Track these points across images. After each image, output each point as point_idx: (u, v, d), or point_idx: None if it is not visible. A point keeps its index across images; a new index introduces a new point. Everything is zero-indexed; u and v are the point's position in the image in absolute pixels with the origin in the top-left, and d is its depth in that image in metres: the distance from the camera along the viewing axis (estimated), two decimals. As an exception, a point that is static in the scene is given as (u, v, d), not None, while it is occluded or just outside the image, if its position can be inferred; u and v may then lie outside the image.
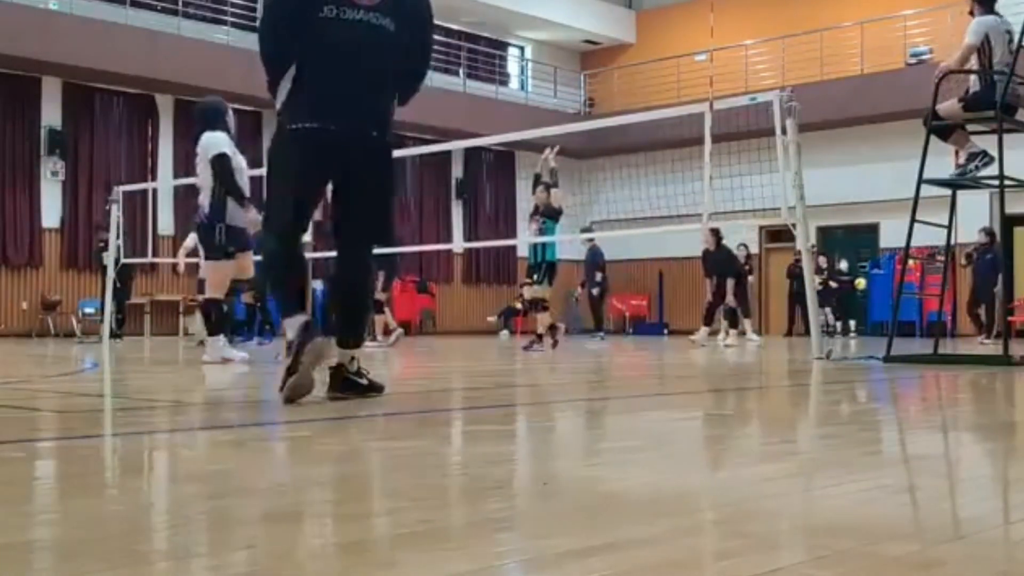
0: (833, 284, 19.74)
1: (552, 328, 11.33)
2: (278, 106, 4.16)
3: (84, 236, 17.71)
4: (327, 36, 4.03)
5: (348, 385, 4.19)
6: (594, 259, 16.90)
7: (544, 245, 11.29)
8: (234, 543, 1.59)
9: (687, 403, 4.87)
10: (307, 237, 11.82)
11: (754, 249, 22.30)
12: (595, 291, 17.13)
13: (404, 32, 4.21)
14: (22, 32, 15.98)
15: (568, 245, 17.86)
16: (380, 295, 12.47)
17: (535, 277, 11.36)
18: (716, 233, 13.61)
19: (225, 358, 7.50)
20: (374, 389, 4.27)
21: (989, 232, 14.86)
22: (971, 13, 7.62)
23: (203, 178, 7.53)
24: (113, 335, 14.21)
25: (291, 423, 3.66)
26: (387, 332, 12.62)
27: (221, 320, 7.77)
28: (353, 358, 4.21)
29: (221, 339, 7.69)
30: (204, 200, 7.52)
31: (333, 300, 4.45)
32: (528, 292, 11.70)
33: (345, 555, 1.55)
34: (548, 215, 11.29)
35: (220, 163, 7.38)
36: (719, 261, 14.25)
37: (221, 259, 7.55)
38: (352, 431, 3.43)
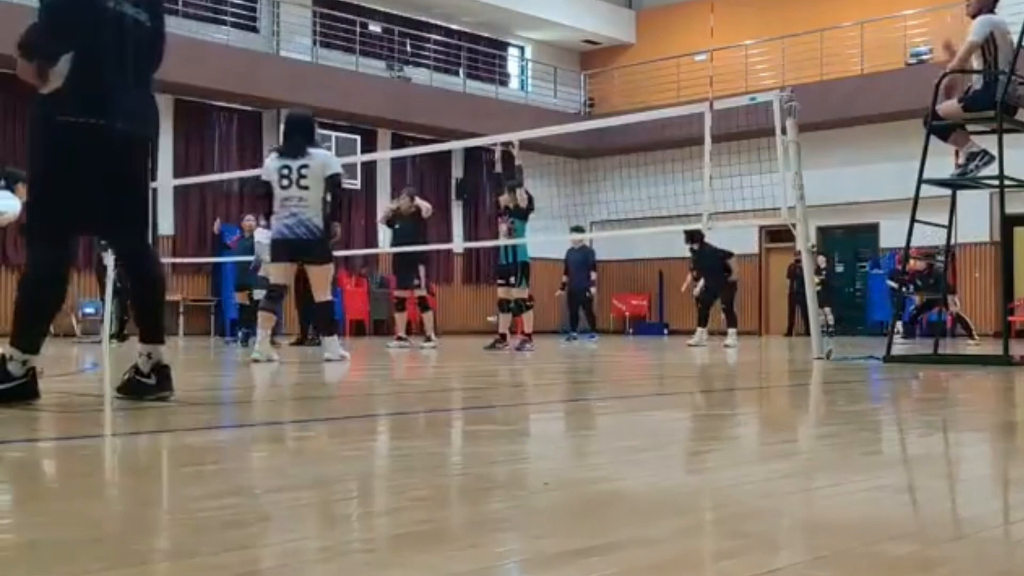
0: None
1: (509, 333, 11.57)
2: (44, 91, 3.89)
3: (84, 236, 17.67)
4: (107, 28, 3.91)
5: (135, 386, 4.05)
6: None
7: (515, 246, 11.45)
8: (234, 543, 1.59)
9: (686, 403, 4.87)
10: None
11: (754, 249, 22.35)
12: (557, 293, 17.34)
13: (152, 25, 4.10)
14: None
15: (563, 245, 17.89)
16: (423, 292, 12.48)
17: (511, 280, 11.51)
18: (692, 232, 13.46)
19: (342, 355, 7.87)
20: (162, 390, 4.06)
21: (932, 260, 14.66)
22: (973, 16, 7.61)
23: (313, 192, 7.76)
24: (119, 337, 14.20)
25: (291, 423, 3.66)
26: (399, 337, 12.59)
27: (334, 319, 8.41)
28: (150, 355, 4.05)
29: (336, 337, 8.08)
30: (314, 214, 7.76)
31: (136, 299, 4.21)
32: (503, 292, 11.78)
33: (345, 555, 1.55)
34: (517, 214, 11.42)
35: (339, 183, 7.91)
36: (704, 257, 14.19)
37: (328, 264, 8.01)
38: (352, 431, 3.44)
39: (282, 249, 7.87)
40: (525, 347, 11.07)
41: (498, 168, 11.94)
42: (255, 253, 12.71)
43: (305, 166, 7.71)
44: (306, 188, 7.71)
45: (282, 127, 9.15)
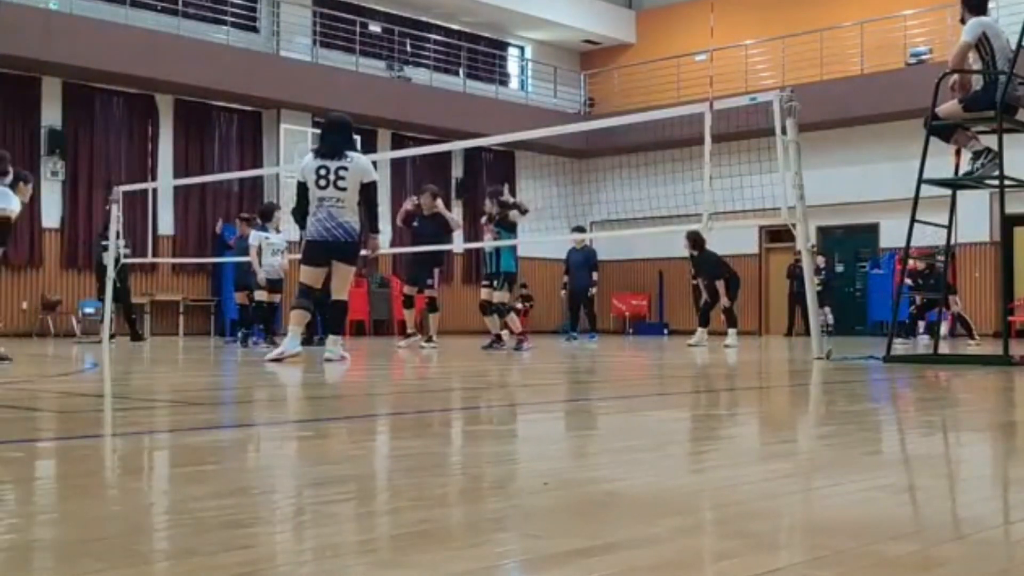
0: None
1: (500, 335, 11.67)
2: None
3: (84, 236, 17.69)
4: None
5: None
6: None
7: (499, 255, 11.58)
8: (233, 543, 1.59)
9: (686, 403, 4.87)
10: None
11: (754, 249, 22.35)
12: (561, 292, 17.38)
13: None
14: (22, 32, 15.98)
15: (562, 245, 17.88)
16: (433, 293, 12.46)
17: (494, 284, 11.66)
18: (694, 237, 13.29)
19: (343, 355, 7.90)
20: None
21: (932, 260, 14.60)
22: (962, 21, 7.64)
23: (351, 195, 7.83)
24: (136, 337, 14.16)
25: (291, 423, 3.66)
26: (408, 333, 12.58)
27: (345, 318, 8.45)
28: None
29: (340, 337, 8.13)
30: (351, 215, 7.84)
31: None
32: (485, 294, 11.89)
33: (345, 555, 1.55)
34: (502, 226, 11.58)
35: (375, 190, 8.02)
36: (704, 263, 14.09)
37: (354, 265, 8.09)
38: (352, 431, 3.44)
39: (318, 251, 7.85)
40: (523, 346, 11.09)
41: (493, 211, 11.86)
42: (253, 255, 12.73)
43: (344, 168, 7.75)
44: (343, 189, 7.75)
45: (317, 130, 9.19)
